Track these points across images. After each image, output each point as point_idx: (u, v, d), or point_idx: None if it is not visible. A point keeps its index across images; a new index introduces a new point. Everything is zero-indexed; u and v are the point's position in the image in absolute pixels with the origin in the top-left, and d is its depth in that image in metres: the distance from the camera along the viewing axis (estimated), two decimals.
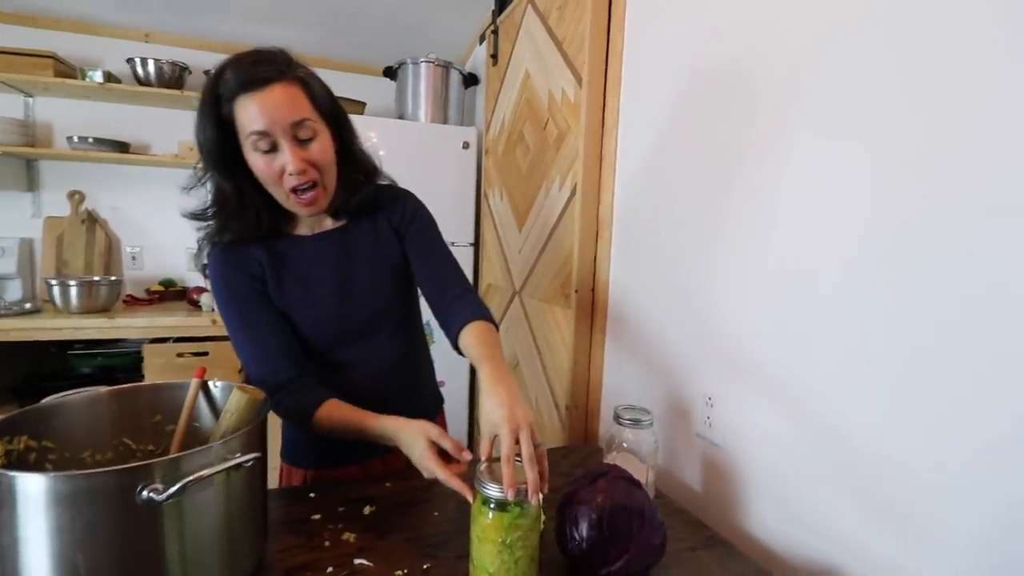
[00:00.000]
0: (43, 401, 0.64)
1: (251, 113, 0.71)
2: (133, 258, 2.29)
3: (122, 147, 2.07)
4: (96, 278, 1.94)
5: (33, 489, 0.47)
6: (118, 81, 2.01)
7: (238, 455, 0.56)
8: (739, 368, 0.86)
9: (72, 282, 1.81)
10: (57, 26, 2.06)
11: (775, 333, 0.79)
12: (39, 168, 2.13)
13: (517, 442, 0.60)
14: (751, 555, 0.75)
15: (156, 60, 2.01)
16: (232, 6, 2.01)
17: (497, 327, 0.83)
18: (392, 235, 0.91)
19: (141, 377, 1.87)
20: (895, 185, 0.63)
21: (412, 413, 0.97)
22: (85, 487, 0.49)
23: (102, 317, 1.83)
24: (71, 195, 2.14)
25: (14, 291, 2.06)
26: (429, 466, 0.67)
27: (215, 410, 0.76)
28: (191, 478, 0.50)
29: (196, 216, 0.82)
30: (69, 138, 2.00)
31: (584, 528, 0.62)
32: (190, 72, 2.11)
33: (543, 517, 0.76)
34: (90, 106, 2.13)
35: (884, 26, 0.64)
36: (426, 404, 1.02)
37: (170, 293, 2.24)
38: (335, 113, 0.81)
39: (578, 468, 0.99)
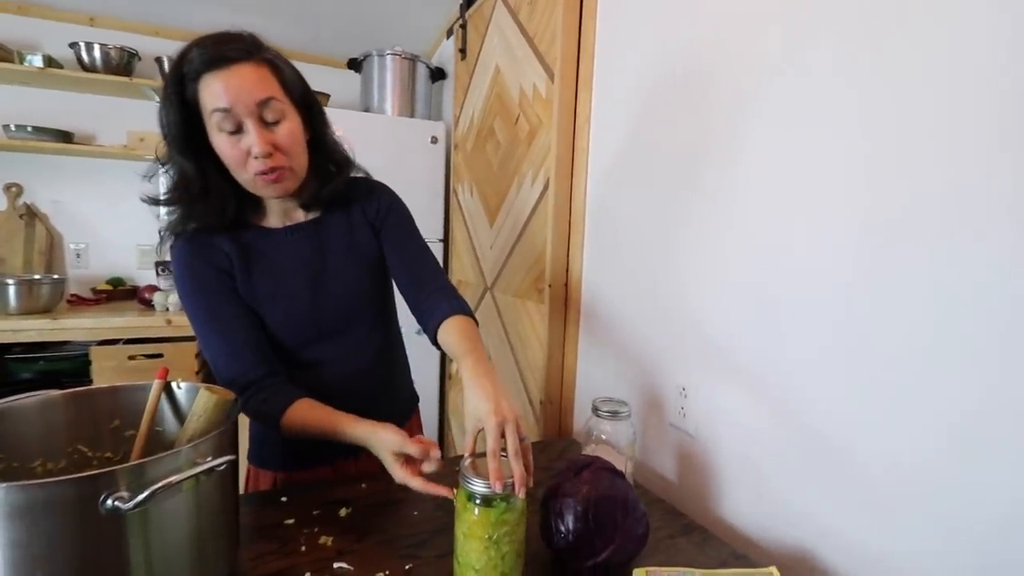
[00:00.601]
0: None
1: (215, 91, 0.68)
2: (77, 255, 2.15)
3: (65, 137, 1.94)
4: (37, 276, 1.81)
5: None
6: (60, 66, 1.87)
7: (209, 459, 0.54)
8: (713, 359, 0.89)
9: (10, 281, 1.69)
10: None
11: (747, 324, 0.82)
12: None
13: (502, 436, 0.60)
14: (727, 540, 0.77)
15: (102, 45, 1.89)
16: None
17: (476, 321, 0.82)
18: (367, 228, 0.89)
19: (89, 382, 1.76)
20: (863, 176, 0.65)
21: (389, 412, 0.95)
22: (43, 498, 0.45)
23: (44, 318, 1.71)
24: (7, 188, 1.99)
25: None
26: (398, 476, 0.66)
27: (179, 414, 0.72)
28: (161, 484, 0.48)
29: (157, 201, 0.78)
30: (6, 126, 1.86)
31: (570, 520, 0.62)
32: (139, 59, 2.00)
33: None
34: (29, 92, 1.99)
35: (852, 20, 0.66)
36: (402, 403, 1.00)
37: (119, 292, 2.11)
38: (307, 101, 0.79)
39: (556, 462, 1.00)
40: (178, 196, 0.76)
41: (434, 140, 2.04)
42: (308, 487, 0.85)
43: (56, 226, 2.12)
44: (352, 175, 0.89)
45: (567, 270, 1.29)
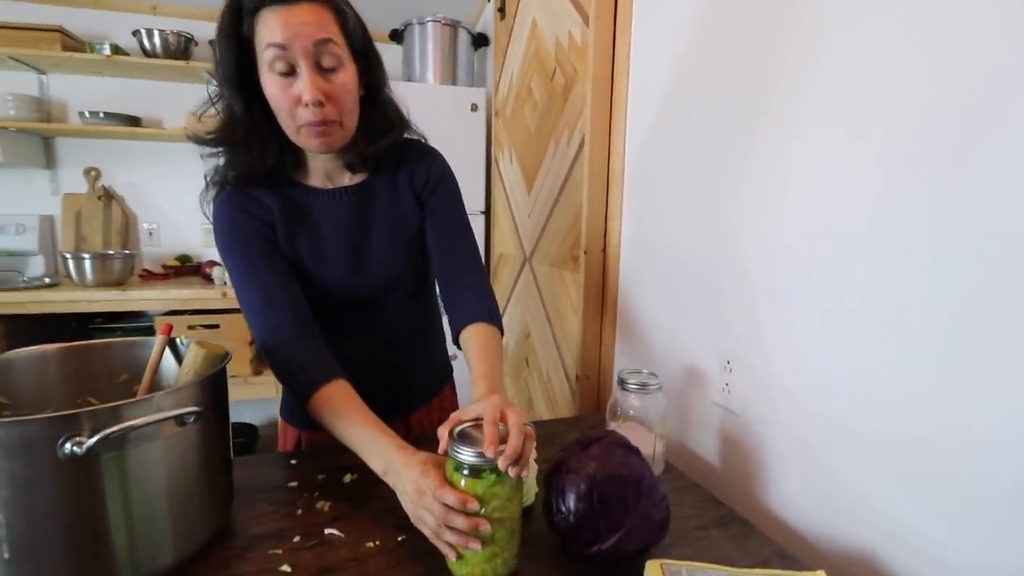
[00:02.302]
0: None
1: (272, 26, 0.64)
2: (150, 234, 2.30)
3: (133, 121, 2.06)
4: (110, 252, 1.95)
5: None
6: (126, 54, 1.98)
7: (181, 409, 0.51)
8: (762, 329, 0.76)
9: (86, 256, 1.82)
10: (65, 2, 2.05)
11: (801, 290, 0.69)
12: (55, 145, 2.15)
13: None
14: (773, 536, 0.66)
15: (161, 31, 1.98)
16: None
17: (502, 330, 0.78)
18: (412, 198, 0.83)
19: None
20: (943, 120, 0.51)
21: (420, 383, 0.93)
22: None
23: (116, 290, 1.84)
24: (87, 172, 2.16)
25: (36, 267, 2.09)
26: (427, 520, 0.54)
27: None
28: (112, 430, 0.45)
29: (201, 140, 0.74)
30: (81, 113, 2.00)
31: (572, 500, 0.54)
32: (196, 43, 2.08)
33: (535, 488, 0.69)
34: (101, 81, 2.13)
35: None
36: (435, 374, 0.96)
37: (186, 268, 2.25)
38: (367, 53, 0.73)
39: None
40: (222, 137, 0.73)
41: (474, 108, 1.97)
42: (319, 450, 0.83)
43: (131, 207, 2.27)
44: (406, 136, 0.83)
45: (604, 235, 1.19)
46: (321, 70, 0.67)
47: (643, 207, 1.07)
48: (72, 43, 1.95)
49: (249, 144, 0.72)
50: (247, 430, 2.33)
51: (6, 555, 0.45)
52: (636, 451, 0.59)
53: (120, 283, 1.92)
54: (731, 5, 0.81)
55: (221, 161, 0.75)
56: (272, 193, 0.77)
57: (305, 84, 0.65)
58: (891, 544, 0.58)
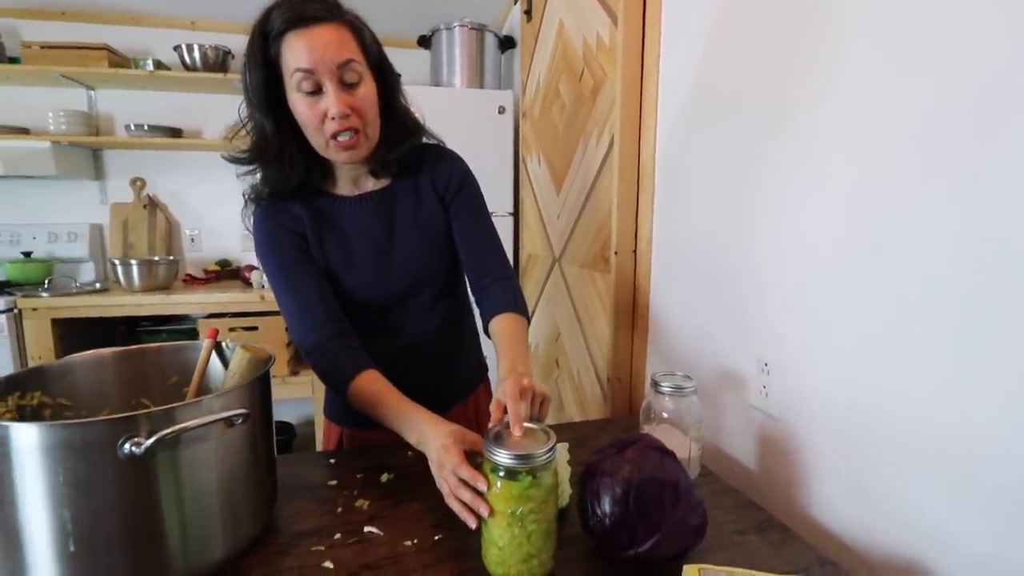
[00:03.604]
0: (48, 361, 0.64)
1: (297, 51, 0.68)
2: (192, 240, 2.40)
3: (175, 132, 2.15)
4: (156, 258, 2.04)
5: (20, 439, 0.46)
6: (168, 68, 2.07)
7: (229, 411, 0.53)
8: (800, 329, 0.74)
9: (133, 262, 1.91)
10: (109, 20, 2.16)
11: (841, 287, 0.67)
12: (104, 157, 2.26)
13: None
14: (813, 542, 0.64)
15: (200, 45, 2.06)
16: None
17: (529, 319, 0.83)
18: (436, 200, 0.86)
19: None
20: (959, 123, 0.49)
21: (454, 381, 0.95)
22: (64, 439, 0.46)
23: (161, 294, 1.93)
24: (133, 182, 2.26)
25: (87, 273, 2.21)
26: (443, 488, 0.61)
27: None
28: (168, 431, 0.47)
29: (236, 159, 0.79)
30: (127, 126, 2.10)
31: (607, 503, 0.54)
32: (233, 56, 2.15)
33: (569, 490, 0.69)
34: (145, 95, 2.23)
35: None
36: (469, 372, 0.98)
37: (226, 272, 2.33)
38: (382, 65, 0.78)
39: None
40: (255, 155, 0.77)
41: (501, 110, 1.98)
42: (358, 451, 0.85)
43: (174, 214, 2.37)
44: (424, 141, 0.86)
45: (635, 235, 1.18)
46: (344, 86, 0.71)
47: (674, 207, 1.06)
48: (118, 59, 2.05)
49: (280, 160, 0.76)
50: (285, 428, 2.40)
51: (71, 548, 0.48)
52: (671, 454, 0.58)
53: (165, 287, 2.01)
54: (757, 3, 0.79)
55: (257, 178, 0.80)
56: (302, 204, 0.81)
57: (332, 100, 0.70)
58: (937, 551, 0.56)
